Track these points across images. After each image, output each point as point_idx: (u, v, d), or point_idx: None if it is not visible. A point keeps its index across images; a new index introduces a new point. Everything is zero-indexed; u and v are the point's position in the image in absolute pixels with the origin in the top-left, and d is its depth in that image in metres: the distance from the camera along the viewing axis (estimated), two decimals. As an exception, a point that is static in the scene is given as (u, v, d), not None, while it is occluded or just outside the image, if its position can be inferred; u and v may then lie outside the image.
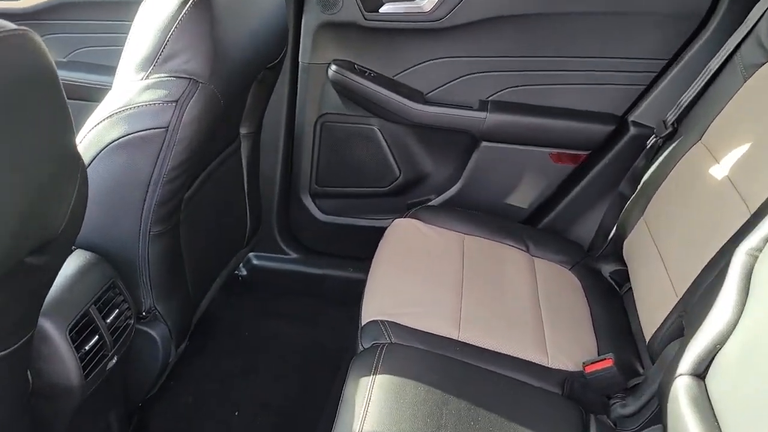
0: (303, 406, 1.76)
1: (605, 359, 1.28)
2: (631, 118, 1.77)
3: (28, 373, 1.03)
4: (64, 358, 1.05)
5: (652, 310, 1.33)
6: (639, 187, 1.58)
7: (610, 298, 1.56)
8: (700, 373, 1.02)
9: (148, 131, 1.13)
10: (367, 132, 1.90)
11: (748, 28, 1.41)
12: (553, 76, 1.78)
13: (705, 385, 1.02)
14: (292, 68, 1.82)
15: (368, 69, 1.82)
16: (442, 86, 1.84)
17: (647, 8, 1.68)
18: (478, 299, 1.46)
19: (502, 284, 1.52)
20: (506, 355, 1.33)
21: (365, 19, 1.74)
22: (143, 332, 1.29)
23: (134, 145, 1.13)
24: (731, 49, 1.43)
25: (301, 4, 1.76)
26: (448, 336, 1.35)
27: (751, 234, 1.05)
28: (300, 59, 1.82)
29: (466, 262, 1.56)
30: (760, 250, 1.02)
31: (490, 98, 1.82)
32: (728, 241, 1.15)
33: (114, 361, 1.17)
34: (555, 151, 1.84)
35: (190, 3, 1.13)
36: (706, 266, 1.18)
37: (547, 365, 1.33)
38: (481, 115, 1.80)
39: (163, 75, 1.14)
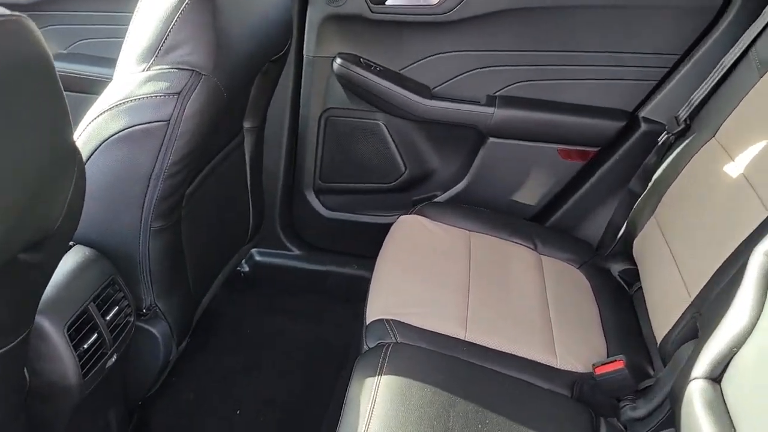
0: (306, 403, 1.74)
1: (616, 361, 1.25)
2: (642, 114, 1.73)
3: (26, 372, 1.02)
4: (62, 357, 1.04)
5: (664, 311, 1.30)
6: (650, 184, 1.56)
7: (620, 298, 1.54)
8: (715, 377, 1.00)
9: (149, 124, 1.10)
10: (372, 127, 1.88)
11: (765, 23, 1.38)
12: (562, 70, 1.75)
13: (721, 388, 1.00)
14: (296, 61, 1.80)
15: (374, 63, 1.80)
16: (449, 81, 1.81)
17: (659, 2, 1.65)
18: (485, 298, 1.43)
19: (509, 283, 1.49)
20: (514, 355, 1.31)
21: (371, 11, 1.71)
22: (144, 330, 1.27)
23: (135, 138, 1.11)
24: (746, 44, 1.40)
25: (307, -4, 1.73)
26: (454, 336, 1.33)
27: (769, 234, 1.03)
28: (305, 52, 1.79)
29: (472, 260, 1.53)
30: (778, 250, 1.00)
31: (498, 93, 1.80)
32: (744, 240, 1.13)
33: (113, 359, 1.15)
34: (564, 147, 1.81)
35: (192, -7, 1.10)
36: (721, 266, 1.16)
37: (555, 366, 1.31)
38: (489, 110, 1.77)
39: (164, 67, 1.12)
